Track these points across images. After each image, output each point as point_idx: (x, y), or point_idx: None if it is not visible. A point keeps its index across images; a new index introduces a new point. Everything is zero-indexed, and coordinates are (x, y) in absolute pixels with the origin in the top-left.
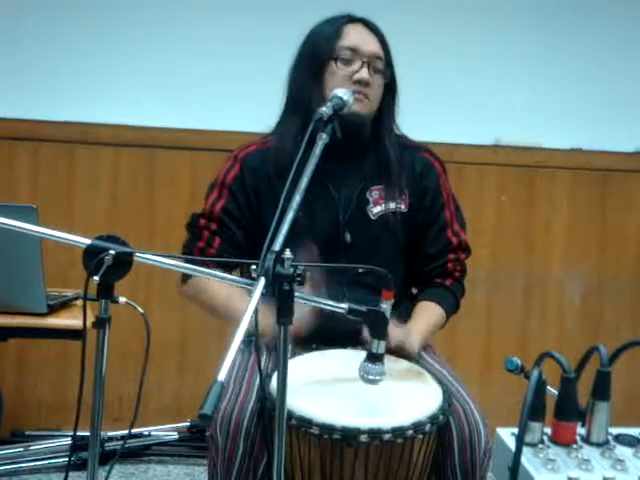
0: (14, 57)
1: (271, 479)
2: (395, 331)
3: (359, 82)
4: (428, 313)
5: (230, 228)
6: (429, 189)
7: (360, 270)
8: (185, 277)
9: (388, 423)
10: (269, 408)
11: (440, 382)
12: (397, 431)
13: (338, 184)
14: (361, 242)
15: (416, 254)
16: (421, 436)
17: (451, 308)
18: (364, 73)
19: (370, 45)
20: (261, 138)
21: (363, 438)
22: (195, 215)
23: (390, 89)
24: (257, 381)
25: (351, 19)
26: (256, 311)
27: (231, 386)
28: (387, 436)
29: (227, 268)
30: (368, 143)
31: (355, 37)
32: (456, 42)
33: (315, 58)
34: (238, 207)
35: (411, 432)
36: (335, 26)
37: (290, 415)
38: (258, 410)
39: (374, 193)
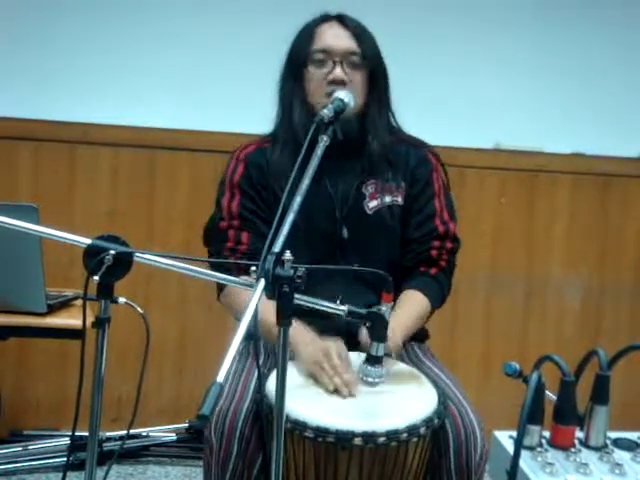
0: (15, 57)
1: None
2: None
3: (334, 82)
4: (412, 304)
5: (252, 221)
6: (420, 179)
7: (355, 266)
8: (219, 289)
9: (382, 426)
10: (265, 410)
11: (436, 385)
12: (391, 434)
13: (334, 180)
14: (358, 237)
15: (402, 239)
16: (416, 439)
17: (437, 299)
18: (337, 72)
19: (342, 42)
20: (260, 138)
21: (357, 441)
22: (211, 224)
23: (376, 81)
24: (253, 383)
25: (325, 18)
26: (255, 312)
27: (227, 388)
28: (381, 439)
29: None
30: (361, 138)
31: (327, 37)
32: (457, 46)
33: (292, 67)
34: (253, 202)
35: (405, 435)
36: (308, 30)
37: (285, 418)
38: (253, 412)
39: (370, 187)
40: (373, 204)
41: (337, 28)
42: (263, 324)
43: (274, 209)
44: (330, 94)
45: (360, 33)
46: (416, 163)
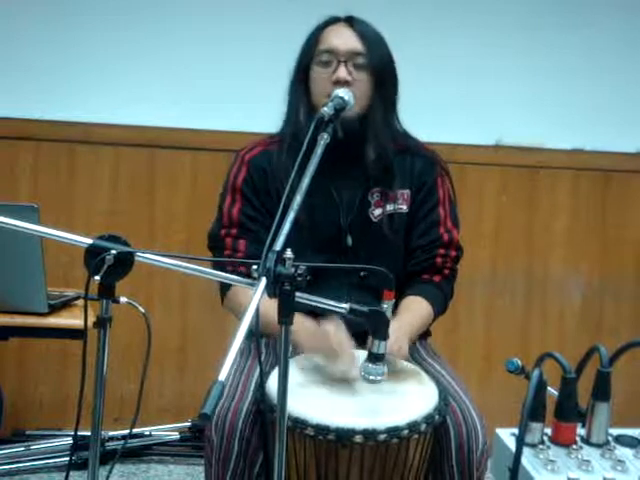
0: (15, 57)
1: (267, 479)
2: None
3: (338, 82)
4: (416, 310)
5: (251, 229)
6: (425, 185)
7: (362, 273)
8: (223, 292)
9: (383, 423)
10: (266, 409)
11: (437, 382)
12: (392, 431)
13: (340, 187)
14: (363, 245)
15: (406, 247)
16: (416, 436)
17: (440, 307)
18: (341, 72)
19: (348, 42)
20: (265, 138)
21: (358, 439)
22: (213, 230)
23: (382, 85)
24: (253, 382)
25: (333, 21)
26: (257, 311)
27: (227, 387)
28: (382, 436)
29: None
30: (363, 142)
31: (332, 38)
32: (457, 42)
33: (299, 69)
34: (254, 208)
35: (406, 432)
36: (315, 33)
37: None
38: (254, 411)
39: (375, 195)
40: (378, 212)
41: (343, 29)
42: (263, 316)
43: (277, 213)
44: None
45: (367, 35)
46: (421, 170)
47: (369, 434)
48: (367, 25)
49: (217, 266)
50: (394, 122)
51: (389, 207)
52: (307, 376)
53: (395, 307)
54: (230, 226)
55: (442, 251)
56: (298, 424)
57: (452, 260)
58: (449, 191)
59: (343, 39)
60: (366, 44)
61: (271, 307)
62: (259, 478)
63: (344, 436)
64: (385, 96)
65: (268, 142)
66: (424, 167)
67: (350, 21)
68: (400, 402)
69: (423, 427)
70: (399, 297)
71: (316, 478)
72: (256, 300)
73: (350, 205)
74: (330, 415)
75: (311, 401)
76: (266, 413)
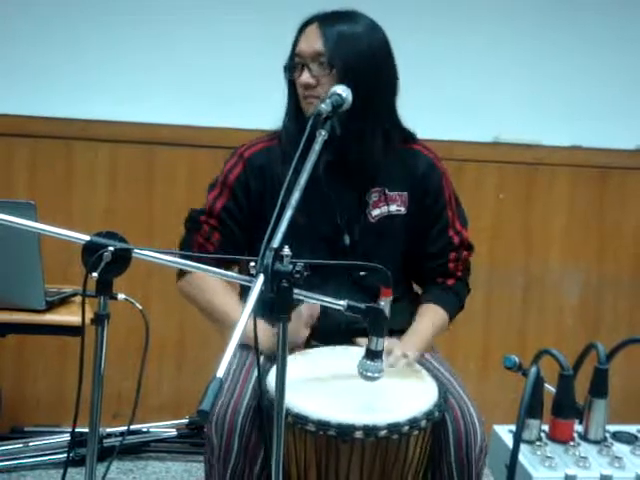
0: (11, 53)
1: (268, 476)
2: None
3: (303, 87)
4: (430, 318)
5: (230, 227)
6: (431, 189)
7: (361, 273)
8: (181, 273)
9: (383, 419)
10: (265, 405)
11: (436, 378)
12: (392, 427)
13: (338, 187)
14: (360, 245)
15: (418, 253)
16: (416, 432)
17: (455, 309)
18: (302, 77)
19: (311, 43)
20: (266, 135)
21: (358, 434)
22: (195, 211)
23: (350, 82)
24: (252, 379)
25: (308, 22)
26: (255, 309)
27: (226, 384)
28: (382, 432)
29: (225, 265)
30: (350, 142)
31: (301, 42)
32: (455, 38)
33: (286, 74)
34: (239, 207)
35: (406, 428)
36: (295, 37)
37: (286, 412)
38: (253, 407)
39: (373, 196)
40: (376, 212)
41: (313, 30)
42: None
43: (271, 212)
44: (305, 98)
45: (332, 32)
46: (424, 172)
47: (370, 430)
48: (341, 20)
49: (185, 245)
50: (384, 120)
51: (387, 208)
52: (307, 372)
53: (401, 309)
54: (211, 216)
55: (453, 255)
56: (299, 420)
57: (464, 261)
58: (453, 189)
59: (308, 41)
60: (328, 42)
61: (217, 295)
62: (261, 474)
63: (345, 432)
64: (363, 92)
65: (268, 140)
66: (425, 170)
67: (322, 19)
68: (400, 398)
69: (423, 423)
70: (401, 298)
71: (316, 473)
72: (254, 297)
73: (347, 205)
74: (331, 411)
75: (311, 397)
76: (266, 409)
